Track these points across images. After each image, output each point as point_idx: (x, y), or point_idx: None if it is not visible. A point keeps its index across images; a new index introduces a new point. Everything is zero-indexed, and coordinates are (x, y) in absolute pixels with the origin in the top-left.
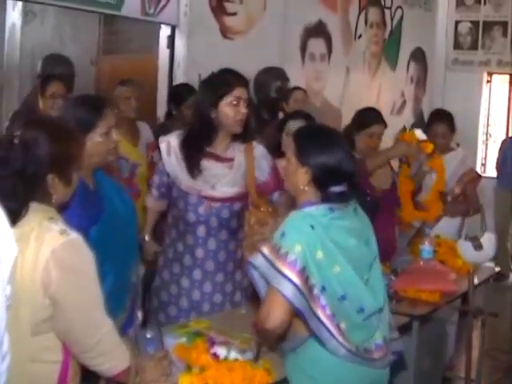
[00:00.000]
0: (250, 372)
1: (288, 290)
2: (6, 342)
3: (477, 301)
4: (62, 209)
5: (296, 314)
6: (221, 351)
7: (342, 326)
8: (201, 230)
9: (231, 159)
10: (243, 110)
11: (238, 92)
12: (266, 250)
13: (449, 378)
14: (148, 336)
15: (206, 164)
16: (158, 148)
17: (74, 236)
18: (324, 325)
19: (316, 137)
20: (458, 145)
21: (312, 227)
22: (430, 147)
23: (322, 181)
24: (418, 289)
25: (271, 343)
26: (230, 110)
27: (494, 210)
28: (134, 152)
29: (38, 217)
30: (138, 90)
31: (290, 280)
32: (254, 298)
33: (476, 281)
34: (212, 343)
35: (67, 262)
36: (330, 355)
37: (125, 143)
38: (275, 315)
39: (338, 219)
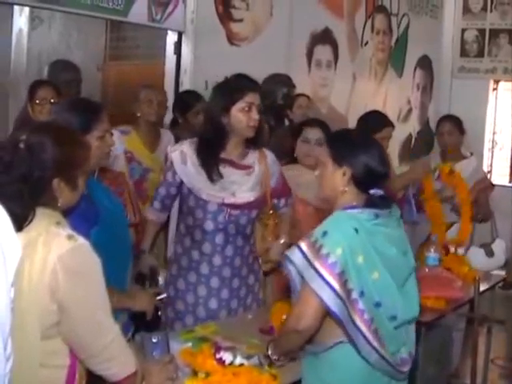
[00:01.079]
0: (256, 377)
1: (326, 294)
2: (10, 344)
3: (484, 308)
4: (66, 213)
5: (331, 318)
6: (227, 356)
7: (380, 332)
8: (219, 238)
9: (248, 166)
10: (255, 115)
11: (250, 98)
12: (304, 245)
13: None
14: (154, 340)
15: (223, 171)
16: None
17: (82, 241)
18: (360, 330)
19: (351, 138)
20: (471, 154)
21: (356, 230)
22: (446, 167)
23: (362, 180)
24: (423, 296)
25: (296, 345)
26: (243, 115)
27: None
28: (149, 157)
29: (44, 222)
30: (162, 95)
31: (328, 283)
32: (280, 295)
33: (482, 288)
34: (218, 348)
35: (74, 267)
36: (361, 362)
37: (141, 147)
38: (308, 316)
39: (381, 226)
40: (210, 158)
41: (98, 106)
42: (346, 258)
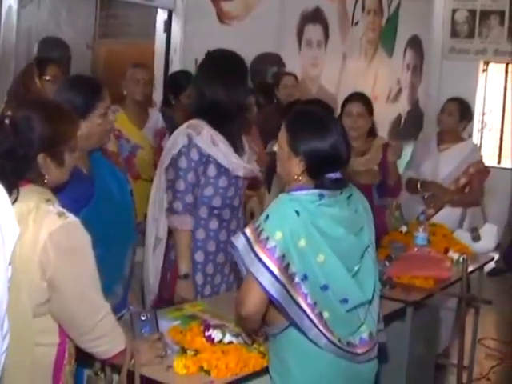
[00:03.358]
0: (244, 355)
1: (264, 278)
2: (7, 322)
3: (472, 289)
4: (56, 191)
5: (272, 302)
6: (216, 334)
7: (325, 315)
8: (241, 212)
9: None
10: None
11: None
12: (248, 230)
13: (442, 365)
14: (142, 318)
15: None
16: (181, 150)
17: (72, 219)
18: (305, 313)
19: (308, 123)
20: (469, 136)
21: (297, 213)
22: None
23: (316, 169)
24: (412, 275)
25: (247, 329)
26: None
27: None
28: (137, 134)
29: (34, 198)
30: (149, 74)
31: (266, 267)
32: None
33: (470, 268)
34: (207, 326)
35: (65, 244)
36: (310, 345)
37: (129, 124)
38: (250, 302)
39: (326, 206)
40: (233, 130)
41: (99, 84)
42: (287, 241)
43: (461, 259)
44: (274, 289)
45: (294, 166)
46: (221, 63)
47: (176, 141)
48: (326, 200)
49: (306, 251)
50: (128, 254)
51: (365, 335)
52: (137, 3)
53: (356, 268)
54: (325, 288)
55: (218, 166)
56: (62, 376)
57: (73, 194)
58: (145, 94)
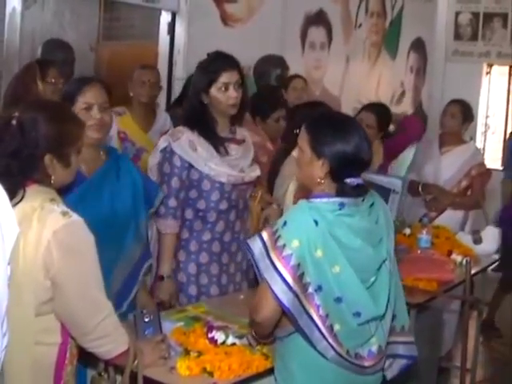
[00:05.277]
0: (247, 357)
1: (278, 286)
2: (6, 321)
3: (475, 291)
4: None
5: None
6: (219, 336)
7: (336, 327)
8: (232, 215)
9: (243, 140)
10: (233, 93)
11: (225, 77)
12: (265, 234)
13: (445, 368)
14: (146, 320)
15: (228, 148)
16: (165, 155)
17: (76, 218)
18: (316, 325)
19: (330, 125)
20: (471, 139)
21: (316, 222)
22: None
23: (340, 171)
24: (415, 277)
25: (259, 334)
26: (221, 95)
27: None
28: (143, 137)
29: (39, 198)
30: (156, 76)
31: (281, 275)
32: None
33: (473, 270)
34: (210, 328)
35: (68, 243)
36: (315, 354)
37: (134, 127)
38: (265, 309)
39: (346, 216)
40: (212, 134)
41: (85, 80)
42: (303, 251)
43: (464, 261)
44: (286, 298)
45: (317, 169)
46: (196, 67)
47: (157, 146)
48: (346, 209)
49: (322, 262)
50: (122, 260)
51: (374, 348)
52: (140, 5)
53: (372, 280)
54: (338, 300)
55: (199, 170)
56: (63, 375)
57: None
58: (151, 95)
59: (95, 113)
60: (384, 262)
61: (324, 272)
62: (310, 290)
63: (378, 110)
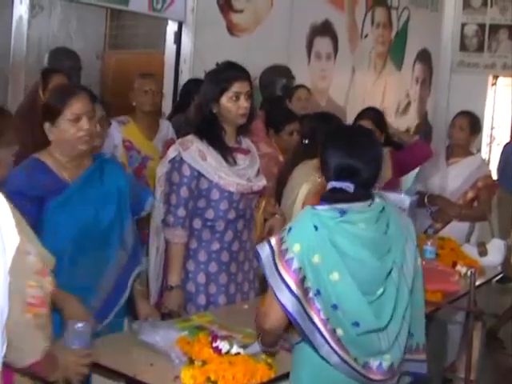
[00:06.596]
0: (252, 366)
1: (281, 292)
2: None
3: (479, 302)
4: None
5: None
6: (223, 345)
7: (339, 332)
8: (240, 224)
9: (248, 150)
10: (244, 103)
11: (237, 87)
12: (273, 240)
13: (449, 379)
14: (78, 328)
15: (236, 158)
16: (174, 165)
17: None
18: (318, 329)
19: (344, 135)
20: (478, 150)
21: (316, 228)
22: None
23: (326, 174)
24: None
25: (268, 342)
26: (231, 105)
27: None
28: (148, 145)
29: None
30: (157, 85)
31: (283, 280)
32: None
33: (478, 282)
34: (214, 337)
35: None
36: (326, 365)
37: (139, 136)
38: (273, 316)
39: (347, 223)
40: (221, 144)
41: (71, 91)
42: (303, 255)
43: (469, 273)
44: (289, 303)
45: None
46: (206, 76)
47: (166, 156)
48: (347, 216)
49: (319, 267)
50: (109, 269)
51: (385, 364)
52: (147, 14)
53: (379, 292)
54: (334, 307)
55: (209, 179)
56: None
57: (31, 191)
58: (154, 104)
59: (84, 123)
60: (390, 272)
61: (321, 278)
62: (311, 294)
63: (369, 114)
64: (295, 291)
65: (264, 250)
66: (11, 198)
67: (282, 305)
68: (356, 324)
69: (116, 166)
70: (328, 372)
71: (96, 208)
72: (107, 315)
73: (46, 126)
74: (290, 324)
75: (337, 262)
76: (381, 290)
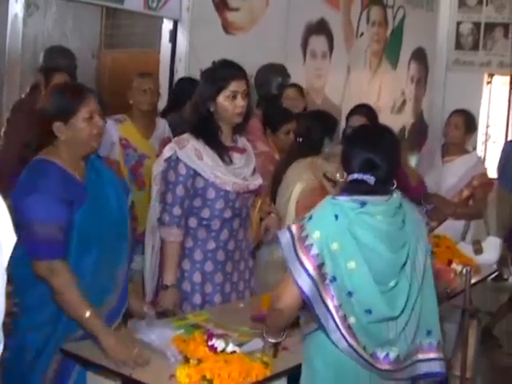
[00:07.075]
0: (247, 365)
1: (298, 274)
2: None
3: (475, 300)
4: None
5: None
6: (219, 343)
7: (351, 320)
8: (236, 223)
9: (244, 149)
10: (241, 102)
11: (234, 86)
12: (294, 227)
13: (445, 377)
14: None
15: (232, 157)
16: (170, 163)
17: None
18: (331, 314)
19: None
20: (474, 149)
21: (336, 217)
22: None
23: (346, 166)
24: None
25: (278, 324)
26: (228, 103)
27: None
28: (144, 144)
29: None
30: (155, 83)
31: (302, 264)
32: None
33: (473, 280)
34: (210, 335)
35: None
36: (334, 348)
37: (136, 134)
38: (286, 296)
39: (366, 215)
40: (217, 142)
41: (83, 89)
42: (322, 242)
43: (464, 271)
44: (306, 285)
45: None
46: (202, 74)
47: (163, 154)
48: (367, 208)
49: (337, 255)
50: (122, 263)
51: (392, 355)
52: (142, 13)
53: (391, 284)
54: (349, 294)
55: (205, 178)
56: None
57: (65, 195)
58: (151, 103)
59: (98, 120)
60: (403, 266)
61: (339, 265)
62: (327, 280)
63: (362, 110)
64: (313, 274)
65: (284, 236)
66: (48, 202)
67: (298, 287)
68: (368, 311)
69: (100, 161)
70: (340, 359)
71: (115, 203)
72: (120, 311)
73: (57, 125)
74: (298, 319)
75: (354, 252)
76: (393, 282)
